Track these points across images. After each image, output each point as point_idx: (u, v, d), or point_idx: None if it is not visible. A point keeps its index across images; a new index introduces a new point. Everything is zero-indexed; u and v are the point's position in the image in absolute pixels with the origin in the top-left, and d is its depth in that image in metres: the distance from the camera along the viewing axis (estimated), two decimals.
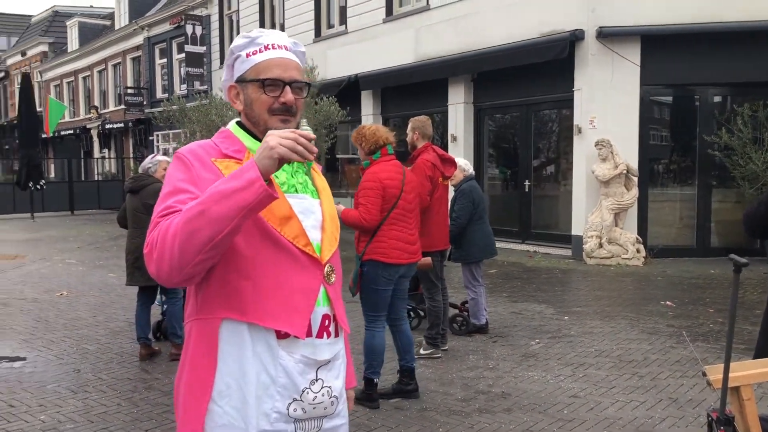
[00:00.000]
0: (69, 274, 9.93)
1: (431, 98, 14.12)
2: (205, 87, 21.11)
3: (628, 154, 10.89)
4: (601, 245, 10.76)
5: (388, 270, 4.51)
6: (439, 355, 5.77)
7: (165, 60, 25.53)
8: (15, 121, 28.14)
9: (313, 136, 1.59)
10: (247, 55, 1.77)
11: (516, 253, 12.05)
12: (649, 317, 7.12)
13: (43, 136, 29.74)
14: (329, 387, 1.76)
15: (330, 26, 17.41)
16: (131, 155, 27.07)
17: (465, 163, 6.76)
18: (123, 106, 27.19)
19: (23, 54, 37.69)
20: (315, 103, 12.67)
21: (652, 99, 11.43)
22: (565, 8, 11.39)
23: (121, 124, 27.85)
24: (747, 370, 2.68)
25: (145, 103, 26.00)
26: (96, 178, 27.13)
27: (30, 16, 42.22)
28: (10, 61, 39.73)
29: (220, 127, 8.86)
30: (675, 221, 11.70)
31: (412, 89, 14.46)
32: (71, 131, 32.09)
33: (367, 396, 4.67)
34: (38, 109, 29.07)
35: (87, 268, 10.47)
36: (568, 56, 11.16)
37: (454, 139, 13.61)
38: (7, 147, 38.98)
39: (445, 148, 13.79)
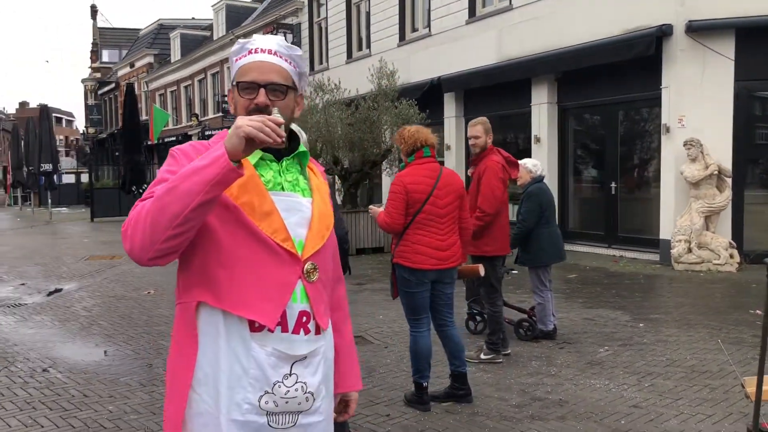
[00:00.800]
0: (159, 273, 10.43)
1: (514, 99, 13.90)
2: (310, 93, 21.64)
3: (721, 154, 10.30)
4: (690, 250, 10.22)
5: (414, 274, 4.49)
6: (501, 360, 5.66)
7: None
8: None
9: (281, 121, 1.63)
10: (236, 60, 1.85)
11: (600, 258, 11.65)
12: (734, 326, 6.71)
13: (148, 143, 31.59)
14: (304, 383, 1.78)
15: (414, 30, 17.46)
16: None
17: (534, 164, 6.59)
18: (221, 113, 28.31)
19: (131, 65, 40.01)
20: (395, 107, 12.71)
21: (748, 95, 10.75)
22: (651, 2, 10.93)
23: (219, 131, 28.98)
24: None
25: None
26: None
27: (138, 30, 44.78)
28: (120, 73, 42.30)
29: (308, 132, 9.00)
30: None
31: (495, 90, 14.28)
32: (174, 138, 33.70)
33: (417, 399, 4.66)
34: (144, 117, 30.86)
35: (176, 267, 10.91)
36: (655, 53, 10.69)
37: (538, 140, 13.32)
38: (117, 153, 41.48)
39: (528, 149, 13.58)
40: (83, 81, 50.70)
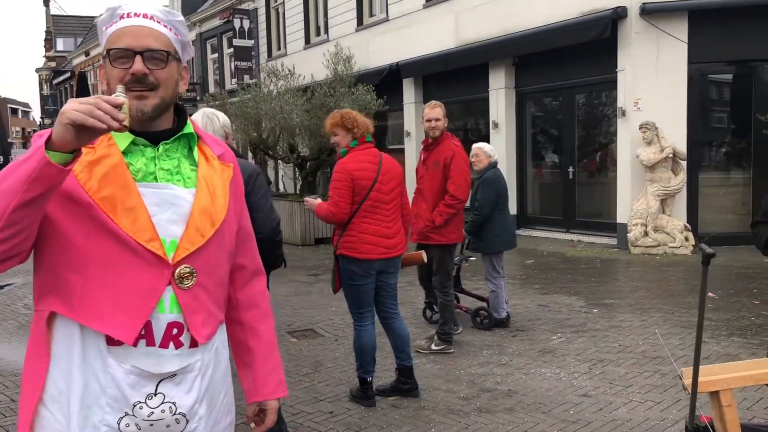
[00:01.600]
0: None
1: (472, 84, 13.77)
2: (255, 80, 21.26)
3: (676, 138, 10.32)
4: (646, 233, 10.23)
5: (360, 265, 4.29)
6: (452, 350, 5.54)
7: (216, 55, 25.87)
8: None
9: (120, 101, 1.37)
10: (105, 29, 1.61)
11: (558, 243, 11.63)
12: (687, 310, 6.69)
13: None
14: (173, 403, 1.57)
15: (372, 14, 17.21)
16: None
17: (491, 149, 6.45)
18: (179, 102, 27.73)
19: (87, 54, 38.96)
20: (351, 93, 12.50)
21: (701, 78, 10.77)
22: None
23: None
24: (728, 372, 2.38)
25: (198, 98, 26.42)
26: None
27: (93, 17, 43.62)
28: (75, 62, 41.18)
29: (258, 119, 8.76)
30: (728, 207, 11.03)
31: (454, 76, 14.13)
32: None
33: (362, 394, 4.50)
34: None
35: None
36: (611, 35, 10.64)
37: (496, 125, 13.22)
38: None
39: (486, 135, 13.48)
40: (37, 70, 49.30)
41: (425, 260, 5.04)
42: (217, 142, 1.77)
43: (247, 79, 21.61)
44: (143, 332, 1.52)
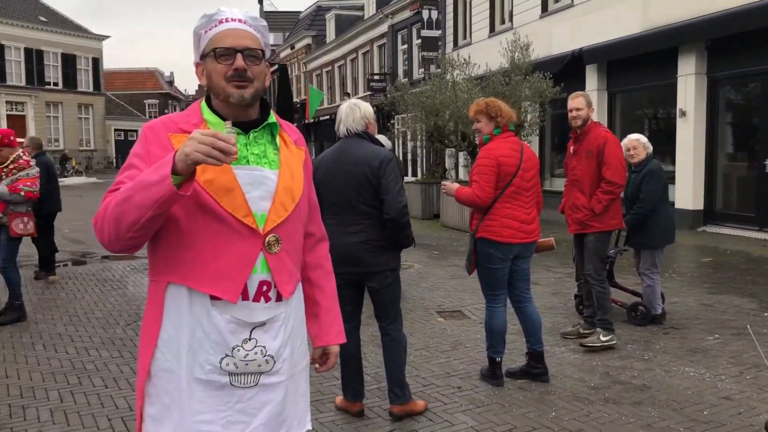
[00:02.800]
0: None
1: (659, 70, 13.02)
2: (440, 70, 21.71)
3: None
4: None
5: (500, 249, 4.41)
6: (616, 341, 5.38)
7: (406, 46, 26.69)
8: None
9: (233, 140, 1.66)
10: (205, 32, 1.90)
11: (747, 242, 10.71)
12: None
13: (305, 122, 33.10)
14: (263, 347, 1.88)
15: (556, 0, 16.82)
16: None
17: (647, 141, 6.23)
18: (369, 92, 29.01)
19: (292, 47, 41.96)
20: (527, 80, 12.41)
21: None
22: None
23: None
24: None
25: (388, 88, 27.46)
26: None
27: (299, 12, 46.77)
28: (282, 55, 44.49)
29: (435, 108, 9.21)
30: None
31: (639, 61, 13.45)
32: (327, 116, 35.05)
33: (490, 374, 4.66)
34: (302, 97, 32.25)
35: None
36: None
37: (683, 114, 12.41)
38: None
39: (672, 124, 12.72)
40: None
41: (554, 246, 5.05)
42: (293, 130, 2.07)
43: (433, 68, 22.11)
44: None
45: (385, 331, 4.08)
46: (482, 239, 4.45)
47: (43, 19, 43.48)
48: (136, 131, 53.54)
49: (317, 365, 2.20)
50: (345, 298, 3.89)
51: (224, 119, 1.86)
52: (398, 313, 4.09)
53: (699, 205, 12.33)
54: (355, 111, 3.95)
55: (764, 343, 5.40)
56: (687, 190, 12.35)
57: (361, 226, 3.83)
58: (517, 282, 4.63)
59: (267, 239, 1.86)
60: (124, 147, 48.65)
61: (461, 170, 18.25)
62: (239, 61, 1.83)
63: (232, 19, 1.89)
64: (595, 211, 5.29)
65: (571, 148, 5.63)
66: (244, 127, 1.90)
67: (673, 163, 12.65)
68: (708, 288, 7.51)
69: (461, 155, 15.25)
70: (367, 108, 4.04)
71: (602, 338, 5.37)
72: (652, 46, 12.82)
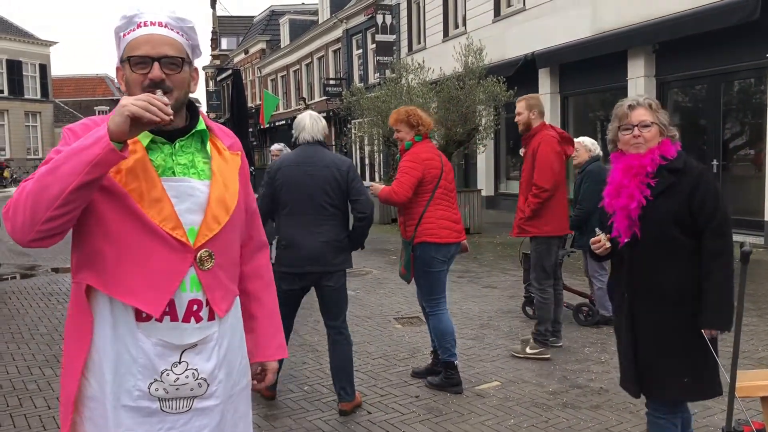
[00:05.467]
0: None
1: (610, 73, 13.24)
2: (395, 75, 21.71)
3: None
4: None
5: (440, 250, 4.49)
6: (548, 355, 5.25)
7: (361, 51, 26.66)
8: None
9: (166, 100, 1.61)
10: (123, 35, 1.77)
11: None
12: None
13: (260, 126, 32.75)
14: (195, 369, 1.77)
15: (509, 4, 16.98)
16: (332, 143, 28.70)
17: (591, 142, 6.26)
18: (325, 97, 28.89)
19: (246, 52, 41.55)
20: (480, 84, 12.47)
21: None
22: None
23: (324, 114, 29.61)
24: None
25: (343, 92, 27.37)
26: None
27: (253, 17, 46.36)
28: (236, 60, 44.05)
29: (389, 113, 8.94)
30: None
31: (590, 65, 13.64)
32: (283, 121, 34.77)
33: (448, 381, 4.59)
34: (257, 102, 31.95)
35: None
36: (761, 17, 9.81)
37: None
38: None
39: None
40: (204, 68, 53.16)
41: (468, 248, 4.93)
42: (227, 134, 1.94)
43: (388, 73, 22.09)
44: (167, 309, 1.73)
45: (338, 330, 4.22)
46: (422, 243, 4.50)
47: None
48: None
49: (254, 381, 2.08)
50: (291, 306, 4.20)
51: (150, 130, 1.72)
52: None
53: None
54: (319, 121, 4.25)
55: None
56: None
57: (326, 227, 4.06)
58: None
59: (199, 254, 1.75)
60: None
61: None
62: (155, 71, 1.72)
63: (151, 23, 1.76)
64: (525, 214, 5.27)
65: (521, 151, 5.65)
66: (169, 136, 1.78)
67: None
68: None
69: None
70: (324, 122, 4.34)
71: (528, 350, 5.29)
72: (602, 49, 13.02)
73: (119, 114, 1.55)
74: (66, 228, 1.64)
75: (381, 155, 18.18)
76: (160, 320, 1.73)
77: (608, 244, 2.77)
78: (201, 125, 1.85)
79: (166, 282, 1.72)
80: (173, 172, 1.77)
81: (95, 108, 58.17)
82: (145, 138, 1.74)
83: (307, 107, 32.09)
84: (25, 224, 1.58)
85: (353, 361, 4.30)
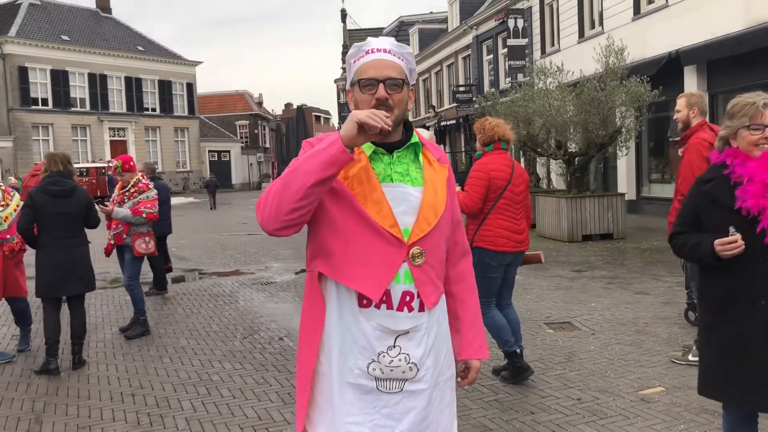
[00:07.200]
0: None
1: (766, 69, 12.44)
2: (528, 78, 21.52)
3: None
4: None
5: (495, 257, 4.69)
6: None
7: (491, 56, 26.61)
8: None
9: (386, 114, 1.85)
10: (354, 62, 2.05)
11: None
12: None
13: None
14: (407, 354, 1.98)
15: (650, 1, 16.38)
16: (462, 149, 28.81)
17: None
18: (455, 104, 29.06)
19: None
20: (623, 85, 12.13)
21: None
22: None
23: (453, 121, 29.77)
24: None
25: (474, 99, 27.43)
26: None
27: (382, 29, 47.43)
28: None
29: (527, 117, 9.47)
30: None
31: (743, 60, 12.91)
32: None
33: (516, 370, 4.86)
34: None
35: None
36: None
37: None
38: None
39: None
40: (335, 81, 55.06)
41: (542, 260, 5.13)
42: (436, 148, 2.18)
43: (520, 77, 21.93)
44: (384, 298, 1.96)
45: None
46: (479, 248, 4.71)
47: (140, 48, 45.99)
48: (228, 152, 55.62)
49: (459, 378, 2.27)
50: None
51: (372, 142, 1.99)
52: None
53: None
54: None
55: None
56: None
57: None
58: (504, 289, 4.92)
59: (411, 251, 1.97)
60: (217, 167, 50.65)
61: (554, 178, 17.98)
62: (381, 91, 1.96)
63: (377, 50, 2.01)
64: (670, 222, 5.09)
65: (679, 150, 5.49)
66: (388, 147, 2.02)
67: None
68: None
69: (554, 163, 15.03)
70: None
71: (691, 357, 5.12)
72: (757, 42, 12.28)
73: (349, 121, 1.81)
74: (303, 220, 1.91)
75: (523, 160, 18.04)
76: (378, 307, 1.96)
77: (743, 245, 2.64)
78: (415, 139, 2.08)
79: (384, 272, 1.95)
80: (391, 179, 2.00)
81: (236, 123, 61.78)
82: (368, 149, 2.00)
83: (436, 115, 32.44)
84: (272, 215, 1.88)
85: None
